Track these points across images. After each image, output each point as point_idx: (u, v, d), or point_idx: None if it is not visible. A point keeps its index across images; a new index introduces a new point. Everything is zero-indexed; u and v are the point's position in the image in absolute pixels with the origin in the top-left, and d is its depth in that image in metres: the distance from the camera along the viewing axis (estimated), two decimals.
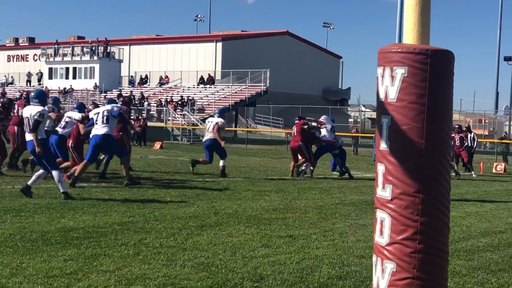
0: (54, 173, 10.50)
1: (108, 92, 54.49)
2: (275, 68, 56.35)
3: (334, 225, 9.05)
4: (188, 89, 53.69)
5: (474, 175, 20.79)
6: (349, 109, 79.34)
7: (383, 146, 3.98)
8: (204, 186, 13.57)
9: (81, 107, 14.05)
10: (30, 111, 10.55)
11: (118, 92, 52.26)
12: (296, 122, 17.36)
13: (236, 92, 49.67)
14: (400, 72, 3.84)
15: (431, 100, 3.81)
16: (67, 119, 13.56)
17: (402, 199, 3.82)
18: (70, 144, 13.49)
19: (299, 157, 17.12)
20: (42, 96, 10.90)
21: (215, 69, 60.76)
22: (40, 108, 10.53)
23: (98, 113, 12.78)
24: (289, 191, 13.16)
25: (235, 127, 51.01)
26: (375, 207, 4.07)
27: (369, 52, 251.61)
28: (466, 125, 24.59)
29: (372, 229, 8.75)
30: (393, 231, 3.83)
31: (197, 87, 54.23)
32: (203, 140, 16.66)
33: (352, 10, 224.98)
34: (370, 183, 16.31)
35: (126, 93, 52.32)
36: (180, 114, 45.31)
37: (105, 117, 12.64)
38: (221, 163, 16.28)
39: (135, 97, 51.23)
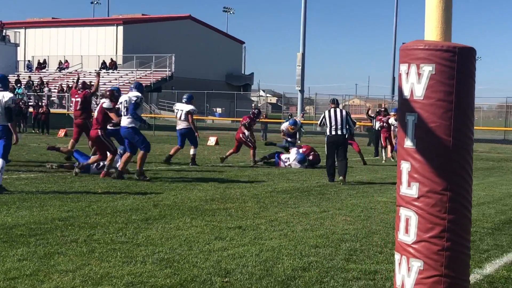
0: (1, 161, 10.03)
1: None
2: (178, 53, 55.82)
3: (277, 214, 9.08)
4: (90, 74, 52.25)
5: (383, 160, 21.42)
6: (251, 94, 79.92)
7: (408, 143, 3.98)
8: (130, 176, 13.24)
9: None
10: None
11: (16, 78, 50.16)
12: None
13: (140, 78, 48.88)
14: (427, 69, 3.86)
15: (458, 98, 3.86)
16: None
17: (430, 197, 3.84)
18: (100, 134, 12.71)
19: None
20: (4, 81, 10.39)
21: (117, 53, 59.51)
22: (10, 94, 10.18)
23: (121, 102, 12.56)
24: (219, 180, 13.11)
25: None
26: (397, 205, 4.09)
27: (269, 37, 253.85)
28: (381, 109, 24.99)
29: (316, 217, 8.92)
30: (420, 229, 3.85)
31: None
32: (177, 128, 16.76)
33: None
34: (292, 169, 16.53)
35: (24, 78, 50.43)
36: None
37: (125, 108, 12.41)
38: (191, 151, 16.53)
39: (34, 82, 49.42)
